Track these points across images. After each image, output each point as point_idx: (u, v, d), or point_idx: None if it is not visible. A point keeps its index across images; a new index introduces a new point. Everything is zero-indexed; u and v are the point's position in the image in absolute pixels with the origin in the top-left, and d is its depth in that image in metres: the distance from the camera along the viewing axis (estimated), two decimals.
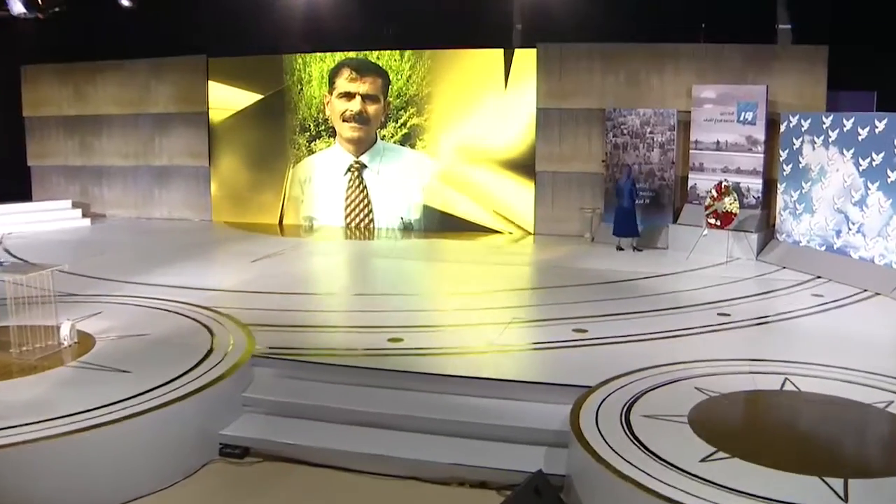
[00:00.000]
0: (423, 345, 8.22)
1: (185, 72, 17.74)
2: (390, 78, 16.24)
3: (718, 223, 12.47)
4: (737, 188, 13.03)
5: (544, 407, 6.88)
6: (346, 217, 16.81)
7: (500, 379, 7.22)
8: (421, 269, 12.69)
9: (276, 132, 17.23)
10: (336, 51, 16.53)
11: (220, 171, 17.91)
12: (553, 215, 15.47)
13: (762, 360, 7.60)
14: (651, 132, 14.17)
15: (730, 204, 12.34)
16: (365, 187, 16.64)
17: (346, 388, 7.54)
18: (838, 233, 11.64)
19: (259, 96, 17.22)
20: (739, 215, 12.54)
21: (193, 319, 9.31)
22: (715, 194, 12.57)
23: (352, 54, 16.52)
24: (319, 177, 17.03)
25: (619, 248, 13.59)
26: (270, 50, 17.01)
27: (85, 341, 8.36)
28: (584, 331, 8.64)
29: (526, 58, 15.38)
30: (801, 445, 5.78)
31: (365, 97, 16.38)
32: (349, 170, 16.73)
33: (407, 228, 16.24)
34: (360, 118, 16.42)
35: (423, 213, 16.26)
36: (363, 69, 16.43)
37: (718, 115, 13.59)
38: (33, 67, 18.89)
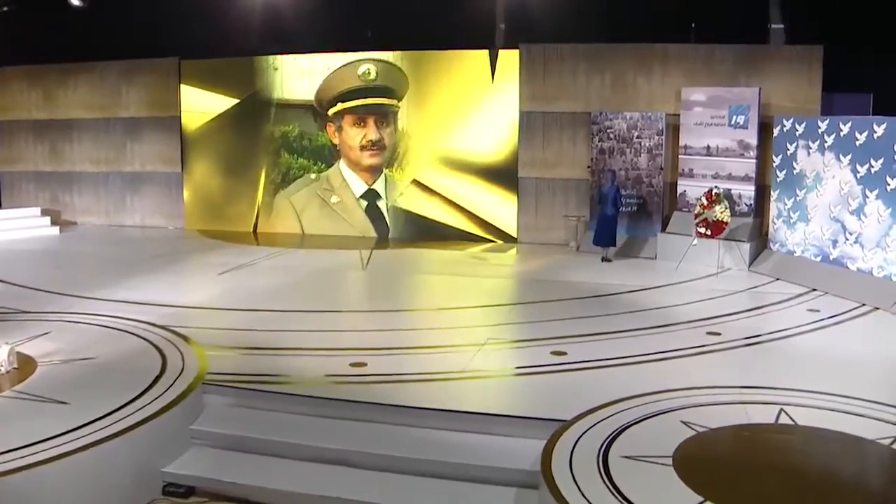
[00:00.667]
0: (388, 370, 7.60)
1: (156, 75, 17.10)
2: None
3: (708, 232, 11.87)
4: (728, 196, 12.43)
5: (517, 443, 6.27)
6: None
7: (467, 412, 6.59)
8: (395, 283, 12.03)
9: (251, 137, 16.56)
10: (313, 52, 15.86)
11: (194, 177, 17.24)
12: (537, 223, 14.86)
13: (755, 387, 6.98)
14: (638, 136, 13.57)
15: (720, 212, 11.74)
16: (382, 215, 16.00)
17: (302, 420, 6.93)
18: (835, 243, 11.05)
19: (234, 100, 16.53)
20: (731, 224, 11.94)
21: (146, 340, 8.69)
22: (705, 202, 11.98)
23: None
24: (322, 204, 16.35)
25: (605, 259, 12.96)
26: (245, 52, 16.34)
27: (25, 366, 7.71)
28: (564, 353, 8.02)
29: (508, 59, 14.74)
30: (798, 493, 5.16)
31: (377, 121, 15.72)
32: (363, 197, 16.06)
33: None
34: (379, 144, 15.74)
35: (404, 221, 15.60)
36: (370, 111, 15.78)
37: (709, 119, 12.99)
38: (1, 70, 18.19)
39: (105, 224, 18.10)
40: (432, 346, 8.38)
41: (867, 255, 10.49)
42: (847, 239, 10.82)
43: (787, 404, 6.52)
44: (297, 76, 16.19)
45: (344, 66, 15.75)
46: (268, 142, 16.49)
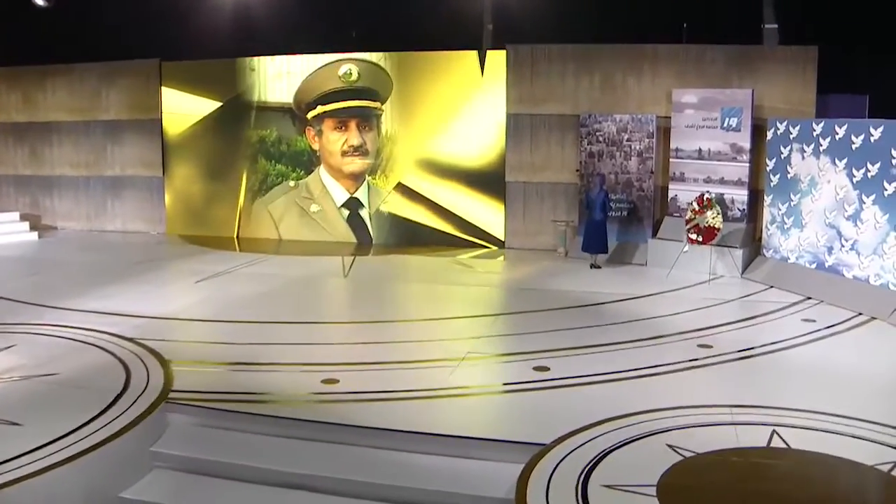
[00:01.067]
0: (362, 387, 7.23)
1: (136, 76, 16.70)
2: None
3: (700, 239, 11.51)
4: (720, 200, 12.08)
5: (494, 468, 5.90)
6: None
7: (442, 435, 6.20)
8: (375, 292, 11.61)
9: (233, 141, 16.16)
10: (295, 53, 15.46)
11: (175, 181, 16.84)
12: (525, 228, 14.49)
13: (746, 406, 6.62)
14: (628, 139, 13.21)
15: (712, 218, 11.38)
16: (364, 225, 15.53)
17: (270, 442, 6.57)
18: (830, 249, 10.70)
19: (216, 103, 16.11)
20: (723, 230, 11.58)
21: (113, 355, 8.33)
22: (696, 207, 11.61)
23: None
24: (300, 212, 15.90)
25: (594, 266, 12.59)
26: (227, 53, 15.95)
27: None
28: (547, 369, 7.65)
29: (495, 60, 14.37)
30: None
31: (360, 125, 15.22)
32: (344, 206, 15.57)
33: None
34: (361, 149, 15.24)
35: (388, 226, 15.21)
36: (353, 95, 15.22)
37: (700, 122, 12.63)
38: None
39: (86, 229, 17.70)
40: (410, 360, 7.99)
41: (864, 263, 10.14)
42: (843, 246, 10.47)
43: (780, 425, 6.16)
44: (275, 78, 15.75)
45: (324, 66, 15.25)
46: (248, 146, 16.07)
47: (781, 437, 5.96)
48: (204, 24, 15.94)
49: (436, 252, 14.19)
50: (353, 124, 15.15)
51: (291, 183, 15.82)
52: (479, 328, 9.40)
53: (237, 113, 16.00)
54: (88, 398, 6.98)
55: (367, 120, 15.09)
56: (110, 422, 6.54)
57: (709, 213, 11.39)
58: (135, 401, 7.00)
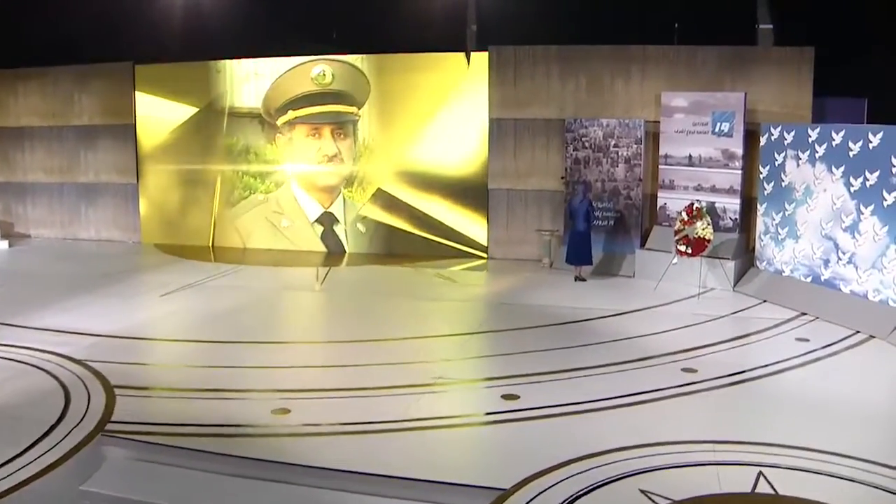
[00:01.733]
0: (315, 418, 6.65)
1: (110, 80, 16.12)
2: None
3: (689, 251, 10.91)
4: (712, 210, 11.50)
5: None
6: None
7: (393, 476, 5.63)
8: (345, 308, 10.98)
9: (208, 147, 15.58)
10: (270, 55, 14.86)
11: (150, 189, 16.26)
12: (509, 237, 13.91)
13: (730, 442, 6.03)
14: (615, 145, 12.62)
15: (702, 229, 10.79)
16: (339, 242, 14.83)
17: (211, 480, 5.97)
18: (826, 262, 10.11)
19: (193, 109, 15.51)
20: (714, 240, 11.00)
21: (56, 379, 7.79)
22: (685, 217, 11.02)
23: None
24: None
25: (579, 279, 12.01)
26: (202, 55, 15.36)
27: None
28: (516, 397, 7.06)
29: (477, 62, 13.79)
30: None
31: (334, 132, 14.49)
32: (318, 221, 14.83)
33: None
34: (336, 159, 14.46)
35: (368, 233, 14.61)
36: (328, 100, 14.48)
37: (691, 126, 12.04)
38: None
39: (59, 237, 17.15)
40: (371, 387, 7.41)
41: (862, 277, 9.55)
42: (840, 258, 9.88)
43: (767, 465, 5.59)
44: (243, 81, 15.08)
45: (295, 67, 14.51)
46: (221, 154, 15.45)
47: (768, 480, 5.38)
48: (179, 25, 15.38)
49: (416, 263, 13.60)
50: (327, 131, 14.45)
51: (261, 196, 15.10)
52: (451, 349, 8.83)
53: (211, 119, 15.39)
54: (20, 429, 6.47)
55: (343, 126, 14.38)
56: (39, 457, 6.02)
57: (698, 224, 10.80)
58: (69, 432, 6.46)
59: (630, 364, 7.97)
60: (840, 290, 9.88)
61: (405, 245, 14.27)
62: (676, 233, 11.13)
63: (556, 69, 13.31)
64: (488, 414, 6.75)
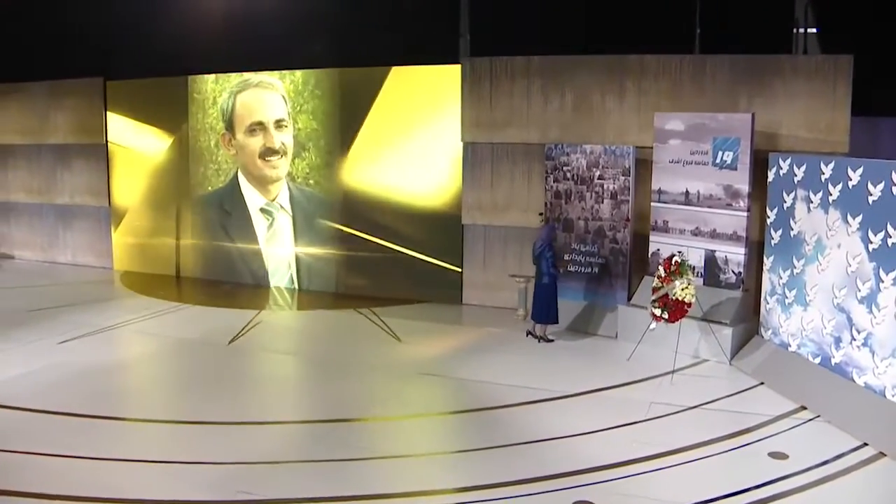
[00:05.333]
0: None
1: (80, 97, 15.02)
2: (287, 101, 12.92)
3: (665, 315, 8.57)
4: (710, 261, 9.21)
5: None
6: (272, 276, 13.52)
7: None
8: (226, 373, 8.90)
9: (174, 171, 14.23)
10: (250, 70, 13.35)
11: (120, 213, 15.05)
12: (485, 280, 11.85)
13: None
14: (601, 177, 10.38)
15: (681, 289, 8.43)
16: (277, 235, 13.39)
17: None
18: (838, 341, 7.62)
19: (162, 132, 14.22)
20: (714, 300, 8.68)
21: None
22: (662, 273, 8.68)
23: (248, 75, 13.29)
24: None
25: (542, 339, 9.87)
26: (176, 72, 14.01)
27: None
28: None
29: (448, 77, 11.82)
30: None
31: (277, 124, 13.06)
32: (264, 213, 13.44)
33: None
34: (280, 151, 13.07)
35: (320, 270, 12.93)
36: (267, 89, 13.13)
37: (688, 156, 9.69)
38: None
39: (39, 260, 16.22)
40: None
41: (879, 367, 7.04)
42: (854, 338, 7.38)
43: None
44: (211, 100, 13.74)
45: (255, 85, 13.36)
46: (185, 177, 14.10)
47: None
48: (154, 41, 14.07)
49: (373, 307, 11.71)
50: (271, 128, 13.08)
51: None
52: (285, 445, 6.84)
53: (185, 136, 14.02)
54: None
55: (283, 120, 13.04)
56: None
57: (677, 283, 8.44)
58: None
59: (506, 489, 5.81)
60: (853, 380, 7.37)
61: (374, 283, 12.46)
62: (654, 290, 8.79)
63: (537, 84, 11.16)
64: None
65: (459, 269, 12.00)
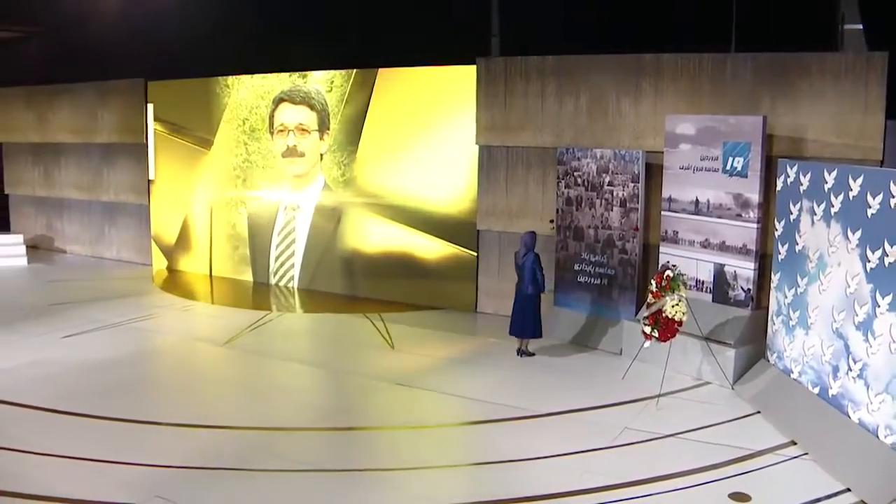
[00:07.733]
0: None
1: (124, 97, 15.40)
2: (325, 107, 12.80)
3: (655, 333, 7.95)
4: (719, 275, 8.54)
5: None
6: (275, 273, 13.59)
7: None
8: (211, 375, 8.89)
9: (214, 166, 14.41)
10: (277, 71, 13.36)
11: (159, 210, 15.34)
12: (500, 289, 11.38)
13: None
14: (610, 183, 9.80)
15: (671, 306, 7.79)
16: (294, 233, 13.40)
17: None
18: (836, 370, 6.86)
19: (203, 129, 14.37)
20: (722, 319, 8.06)
21: None
22: (654, 288, 8.06)
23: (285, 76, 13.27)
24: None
25: (524, 353, 9.38)
26: (215, 73, 14.17)
27: None
28: None
29: (464, 78, 11.44)
30: None
31: (297, 129, 13.05)
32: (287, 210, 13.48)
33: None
34: (295, 151, 13.12)
35: (333, 270, 12.82)
36: (296, 99, 13.10)
37: (698, 161, 9.01)
38: (1, 90, 17.40)
39: (87, 255, 16.76)
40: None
41: (873, 402, 6.28)
42: (850, 368, 6.62)
43: None
44: (252, 98, 13.79)
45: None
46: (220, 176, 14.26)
47: None
48: (191, 44, 14.33)
49: (386, 308, 11.52)
50: (291, 131, 13.17)
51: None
52: (221, 456, 6.62)
53: (222, 140, 14.18)
54: None
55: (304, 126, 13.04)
56: None
57: (667, 300, 7.81)
58: None
59: None
60: (848, 415, 6.61)
61: (391, 287, 12.28)
62: (647, 306, 8.18)
63: (551, 85, 10.66)
64: None
65: (474, 280, 11.60)
